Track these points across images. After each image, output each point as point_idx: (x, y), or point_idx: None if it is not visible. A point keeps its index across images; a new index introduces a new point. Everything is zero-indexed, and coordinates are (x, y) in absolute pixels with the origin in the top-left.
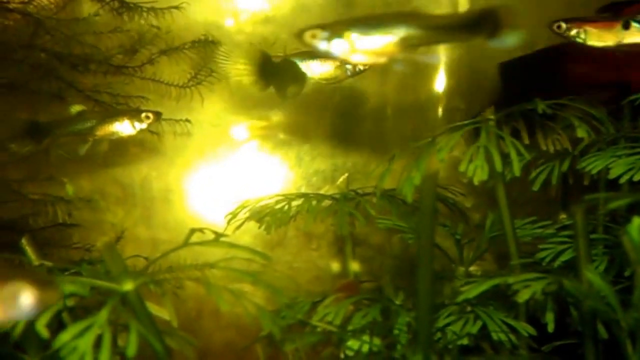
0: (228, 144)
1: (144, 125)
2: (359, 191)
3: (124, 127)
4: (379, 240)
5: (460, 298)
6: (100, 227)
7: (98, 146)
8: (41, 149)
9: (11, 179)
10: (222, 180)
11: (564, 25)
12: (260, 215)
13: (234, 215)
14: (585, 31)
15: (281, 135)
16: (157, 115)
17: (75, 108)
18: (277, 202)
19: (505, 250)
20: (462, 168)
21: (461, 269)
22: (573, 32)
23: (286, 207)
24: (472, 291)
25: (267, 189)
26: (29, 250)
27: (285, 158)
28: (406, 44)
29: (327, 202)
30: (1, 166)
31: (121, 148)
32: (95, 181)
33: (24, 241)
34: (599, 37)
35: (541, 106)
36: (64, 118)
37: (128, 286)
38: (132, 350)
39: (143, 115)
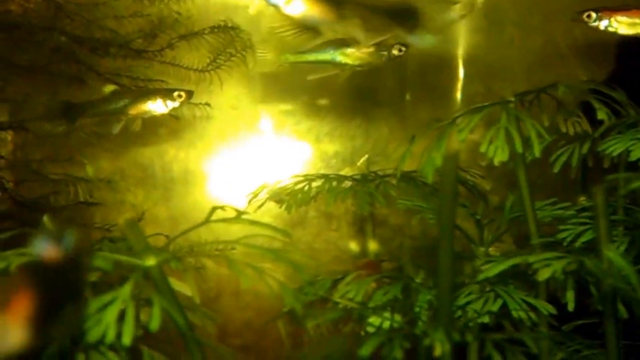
0: (247, 127)
1: (176, 104)
2: (379, 173)
3: (156, 106)
4: (398, 221)
5: (482, 276)
6: (121, 208)
7: (131, 125)
8: (75, 129)
9: (33, 159)
10: (241, 162)
11: (594, 15)
12: (281, 196)
13: (254, 195)
14: (616, 20)
15: (301, 119)
16: (189, 94)
17: (108, 87)
18: (297, 182)
19: (525, 232)
20: (482, 149)
21: (481, 250)
22: (604, 21)
23: (306, 187)
24: (492, 269)
25: (286, 171)
26: (49, 226)
27: (304, 140)
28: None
29: (347, 183)
30: (23, 146)
31: (144, 129)
32: (116, 162)
33: (45, 219)
34: (630, 26)
35: (562, 89)
36: (98, 98)
37: (151, 262)
38: (155, 324)
39: (175, 94)
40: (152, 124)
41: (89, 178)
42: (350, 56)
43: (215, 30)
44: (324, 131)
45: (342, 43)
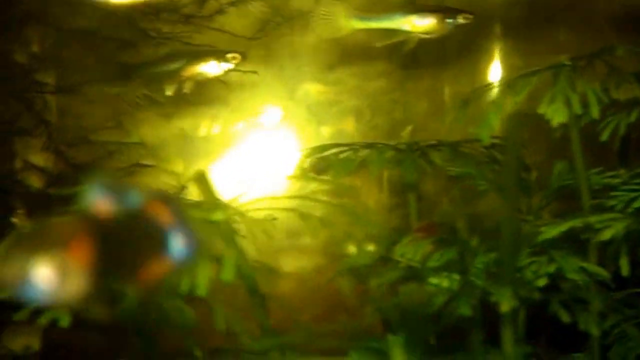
0: (288, 98)
1: (230, 66)
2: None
3: (210, 68)
4: (437, 194)
5: (541, 237)
6: (162, 176)
7: (183, 87)
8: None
9: (83, 125)
10: (281, 133)
11: None
12: (322, 166)
13: (300, 164)
14: None
15: (340, 92)
16: (243, 55)
17: (162, 49)
18: (341, 152)
19: (566, 206)
20: (541, 110)
21: (529, 218)
22: None
23: (352, 156)
24: (552, 231)
25: (325, 144)
26: None
27: (343, 113)
28: None
29: (391, 153)
30: (70, 111)
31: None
32: (158, 131)
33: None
34: None
35: (620, 51)
36: (152, 59)
37: (219, 216)
38: (228, 275)
39: (229, 55)
40: (196, 92)
41: (135, 144)
42: (417, 24)
43: None
44: (364, 104)
45: (408, 10)
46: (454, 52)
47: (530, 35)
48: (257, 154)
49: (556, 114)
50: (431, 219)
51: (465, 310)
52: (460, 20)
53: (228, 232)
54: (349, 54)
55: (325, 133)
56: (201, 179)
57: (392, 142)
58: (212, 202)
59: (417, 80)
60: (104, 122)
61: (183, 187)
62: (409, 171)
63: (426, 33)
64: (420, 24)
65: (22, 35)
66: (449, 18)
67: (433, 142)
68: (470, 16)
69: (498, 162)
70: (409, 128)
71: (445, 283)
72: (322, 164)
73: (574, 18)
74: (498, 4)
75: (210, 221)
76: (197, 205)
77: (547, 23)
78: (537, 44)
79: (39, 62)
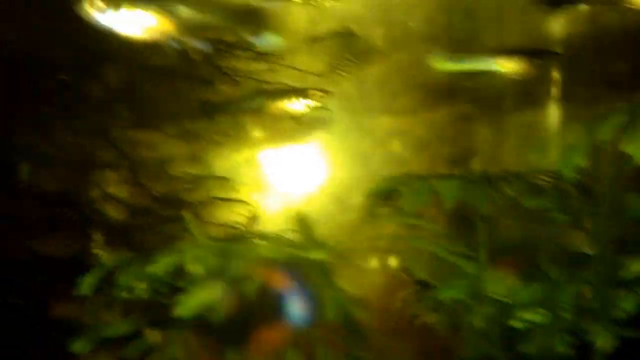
0: (355, 130)
1: (311, 103)
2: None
3: (293, 105)
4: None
5: (626, 273)
6: (236, 206)
7: (265, 124)
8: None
9: (158, 157)
10: (350, 163)
11: None
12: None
13: (373, 193)
14: None
15: (404, 122)
16: (325, 93)
17: (246, 87)
18: (412, 182)
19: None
20: (625, 148)
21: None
22: None
23: (424, 186)
24: (637, 266)
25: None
26: (192, 224)
27: (408, 143)
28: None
29: (461, 183)
30: (152, 146)
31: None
32: (230, 161)
33: (185, 215)
34: None
35: None
36: (235, 96)
37: (319, 255)
38: (331, 313)
39: (311, 92)
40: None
41: (208, 176)
42: (506, 65)
43: (336, 35)
44: (430, 134)
45: (497, 51)
46: (515, 83)
47: (591, 65)
48: (326, 184)
49: (638, 152)
50: (493, 244)
51: (561, 348)
52: (547, 60)
53: (326, 271)
54: (415, 85)
55: (393, 162)
56: (301, 220)
57: (459, 172)
58: (311, 242)
59: (480, 110)
60: (177, 154)
61: (256, 218)
62: (481, 203)
63: (514, 74)
64: (509, 65)
65: (102, 73)
66: (537, 59)
67: (502, 172)
68: (556, 55)
69: (565, 191)
70: (478, 158)
71: (534, 318)
72: (390, 193)
73: (634, 49)
74: (559, 35)
75: (309, 260)
76: (296, 244)
77: (607, 53)
78: (597, 73)
79: (118, 97)
